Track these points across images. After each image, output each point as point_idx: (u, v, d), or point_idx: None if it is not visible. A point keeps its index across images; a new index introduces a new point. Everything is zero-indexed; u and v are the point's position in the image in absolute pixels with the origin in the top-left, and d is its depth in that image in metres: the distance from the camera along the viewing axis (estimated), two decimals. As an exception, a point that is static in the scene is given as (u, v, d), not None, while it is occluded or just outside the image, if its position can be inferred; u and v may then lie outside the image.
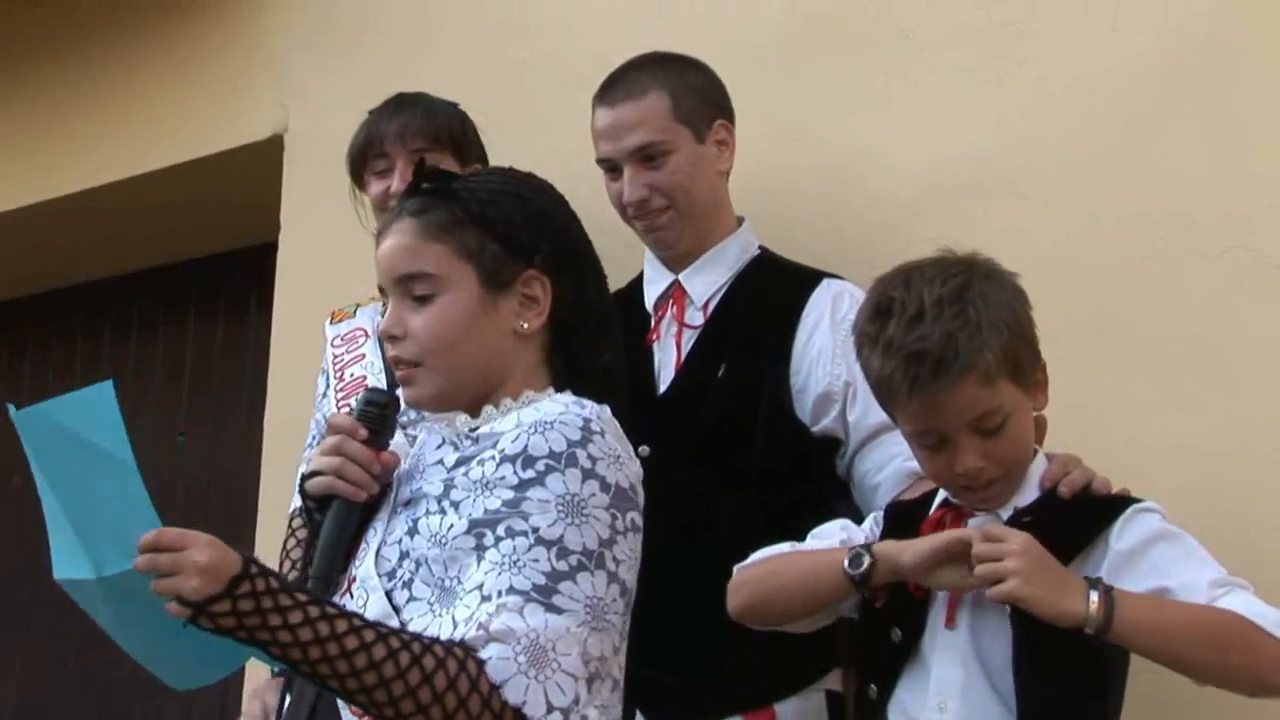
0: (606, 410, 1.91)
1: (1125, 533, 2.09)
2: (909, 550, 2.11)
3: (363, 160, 2.93)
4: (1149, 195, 2.71)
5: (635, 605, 1.89)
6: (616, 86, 2.74)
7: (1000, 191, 2.84)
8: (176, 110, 4.19)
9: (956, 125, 2.91)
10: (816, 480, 2.62)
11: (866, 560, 2.14)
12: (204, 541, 1.69)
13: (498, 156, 2.88)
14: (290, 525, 2.80)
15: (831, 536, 2.31)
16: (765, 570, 2.29)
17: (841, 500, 2.61)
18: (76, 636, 4.69)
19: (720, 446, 2.60)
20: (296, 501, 2.82)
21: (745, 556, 2.49)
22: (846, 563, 2.15)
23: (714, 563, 2.50)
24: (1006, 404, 2.11)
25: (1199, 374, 2.60)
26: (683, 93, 2.71)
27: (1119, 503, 2.14)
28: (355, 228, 3.21)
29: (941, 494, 2.26)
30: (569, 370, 2.01)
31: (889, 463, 2.48)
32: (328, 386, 2.93)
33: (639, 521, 1.87)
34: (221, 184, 4.20)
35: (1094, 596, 1.98)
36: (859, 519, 2.55)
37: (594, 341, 2.03)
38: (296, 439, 3.43)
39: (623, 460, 1.86)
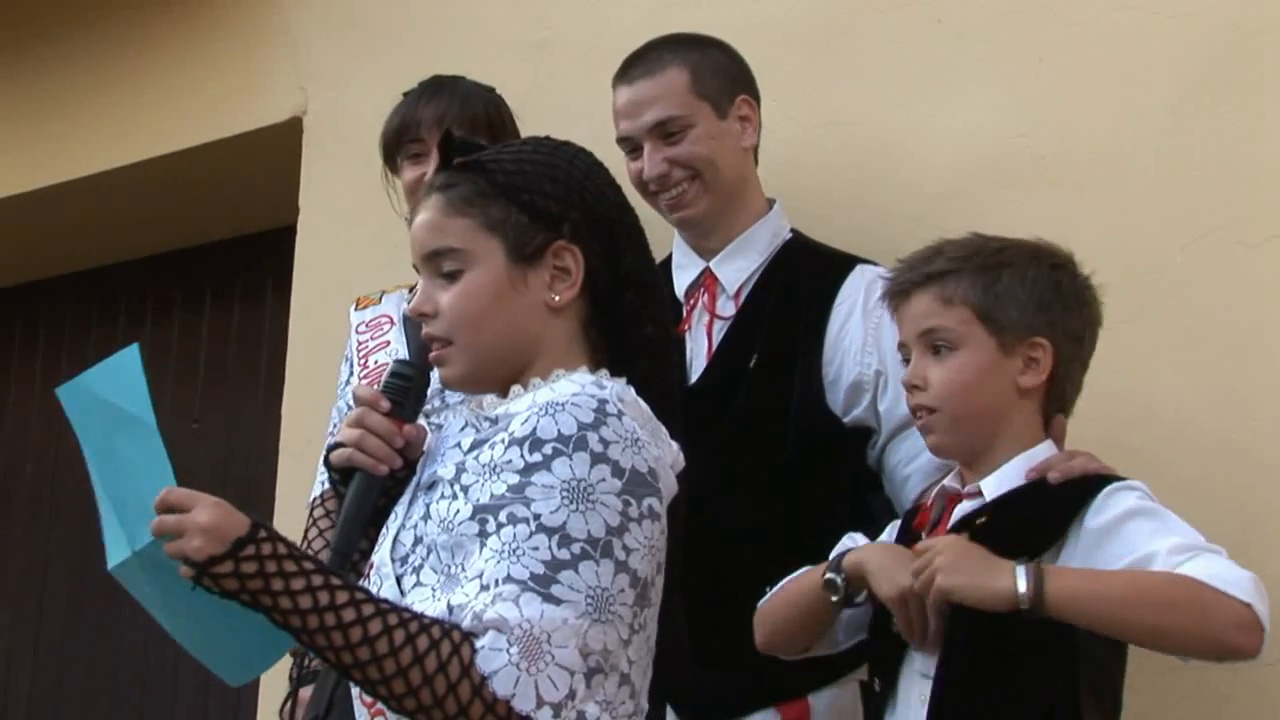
0: (630, 391, 1.85)
1: (1100, 511, 2.05)
2: (881, 583, 2.12)
3: (397, 144, 2.88)
4: (1187, 184, 2.66)
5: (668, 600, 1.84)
6: (636, 64, 2.71)
7: (1035, 179, 2.80)
8: (194, 92, 4.16)
9: (990, 112, 2.87)
10: (848, 471, 2.59)
11: (841, 584, 2.16)
12: (209, 503, 1.69)
13: (523, 141, 2.85)
14: (311, 515, 2.76)
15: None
16: (776, 601, 2.30)
17: (873, 491, 2.57)
18: (90, 627, 4.68)
19: (752, 437, 2.56)
20: (315, 490, 2.80)
21: (774, 546, 2.49)
22: (825, 589, 2.18)
23: (744, 555, 2.49)
24: (959, 333, 2.17)
25: (1241, 366, 2.55)
26: (703, 68, 2.67)
27: (1095, 482, 2.09)
28: (374, 211, 3.18)
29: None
30: (610, 344, 1.95)
31: (920, 454, 2.43)
32: (350, 373, 2.90)
33: (657, 508, 1.78)
34: (239, 167, 4.17)
35: (1021, 573, 1.94)
36: (890, 509, 2.52)
37: (634, 312, 1.96)
38: (314, 425, 3.40)
39: (642, 443, 1.78)
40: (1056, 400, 2.22)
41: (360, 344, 2.90)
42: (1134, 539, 2.00)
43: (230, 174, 4.23)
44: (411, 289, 2.79)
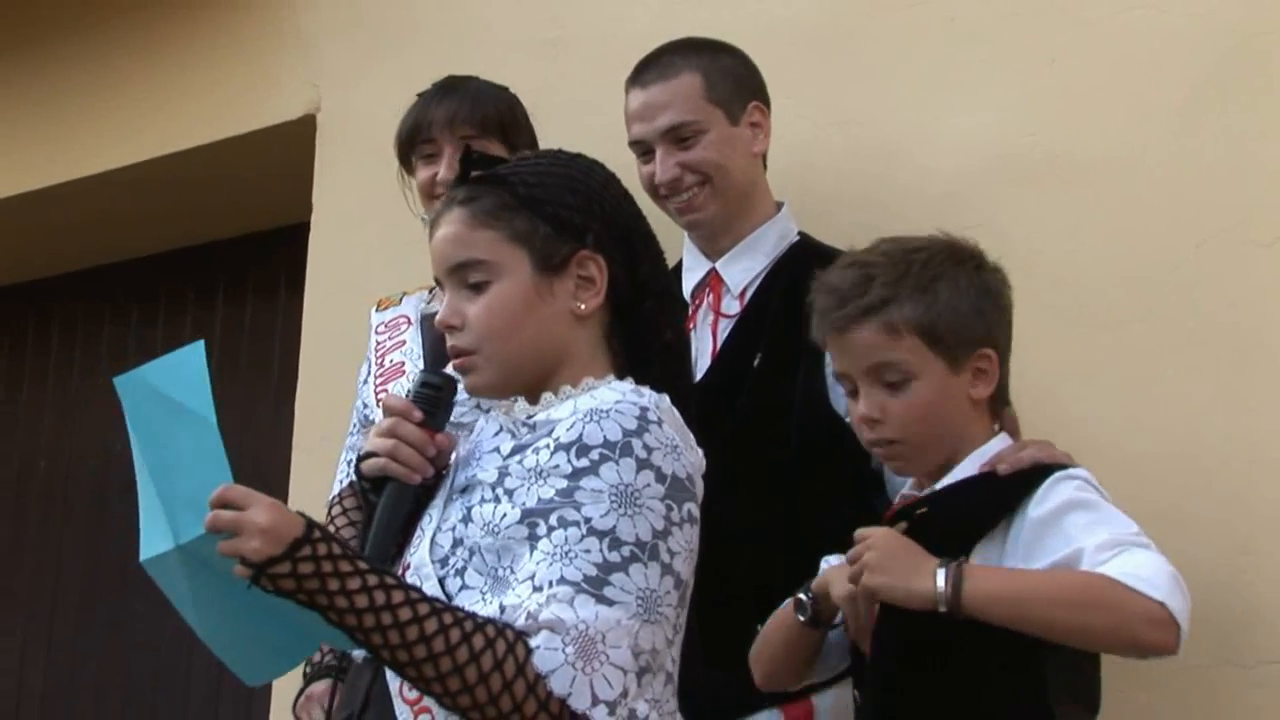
0: (665, 399, 1.89)
1: (1041, 502, 2.05)
2: (835, 584, 2.13)
3: (410, 145, 2.91)
4: (1199, 181, 2.66)
5: None
6: (649, 68, 2.73)
7: (1045, 179, 2.80)
8: (207, 89, 4.17)
9: (1001, 111, 2.87)
10: (851, 471, 2.57)
11: (807, 603, 2.18)
12: (266, 503, 1.72)
13: (539, 141, 2.86)
14: (329, 514, 2.77)
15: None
16: (761, 639, 2.31)
17: (876, 491, 2.57)
18: (102, 624, 4.69)
19: (755, 436, 2.57)
20: (334, 490, 2.81)
21: (775, 545, 2.51)
22: (795, 610, 2.20)
23: (748, 554, 2.49)
24: (911, 364, 2.14)
25: (1251, 365, 2.55)
26: (716, 75, 2.69)
27: (1040, 472, 2.09)
28: (388, 209, 3.19)
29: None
30: (629, 351, 1.99)
31: None
32: (369, 373, 2.91)
33: (695, 513, 1.85)
34: (252, 164, 4.18)
35: (941, 574, 1.97)
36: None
37: (653, 319, 2.01)
38: (327, 422, 3.41)
39: (680, 450, 1.84)
40: (1002, 397, 2.24)
41: (378, 344, 2.91)
42: (1069, 532, 2.01)
43: (243, 171, 4.24)
44: (431, 290, 2.80)
